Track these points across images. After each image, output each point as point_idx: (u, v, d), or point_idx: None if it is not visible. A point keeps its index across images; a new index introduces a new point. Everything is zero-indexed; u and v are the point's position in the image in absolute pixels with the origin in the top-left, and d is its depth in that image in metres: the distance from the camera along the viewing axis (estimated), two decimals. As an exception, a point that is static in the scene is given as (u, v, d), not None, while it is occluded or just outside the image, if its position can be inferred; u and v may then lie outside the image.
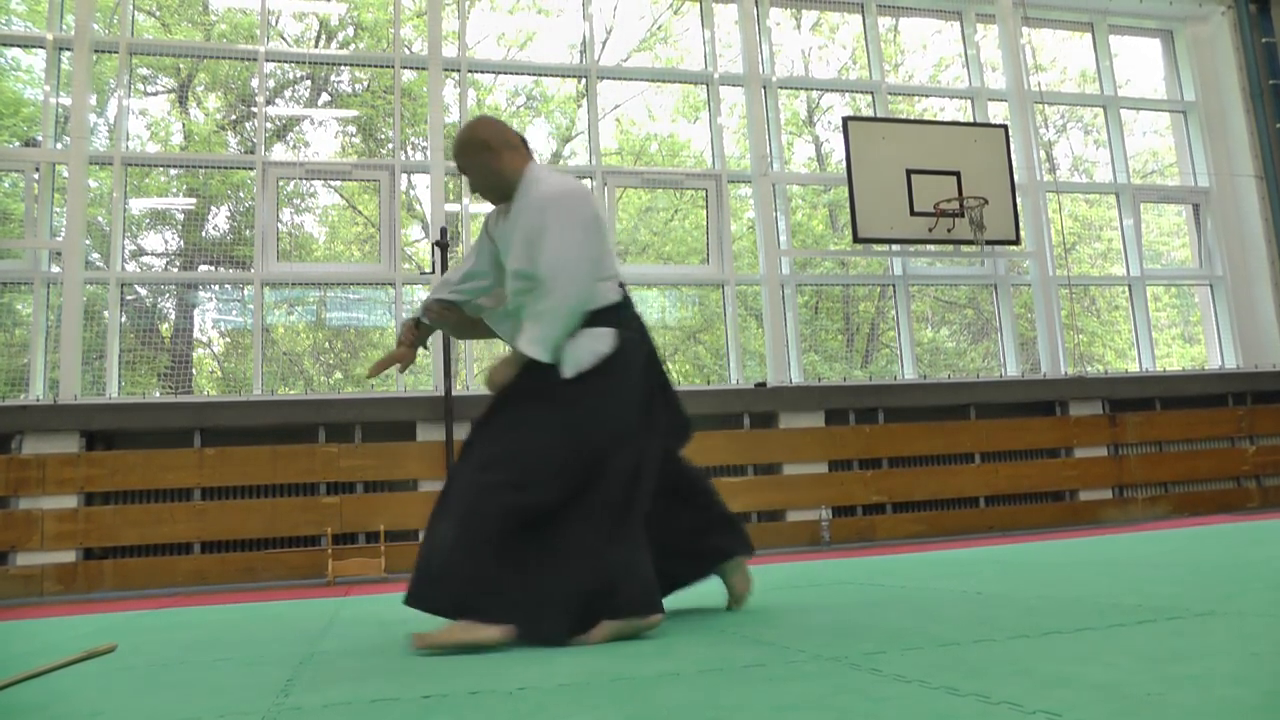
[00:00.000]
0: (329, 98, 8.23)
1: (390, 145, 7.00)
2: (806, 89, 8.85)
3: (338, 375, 8.04)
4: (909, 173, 7.15)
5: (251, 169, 6.57)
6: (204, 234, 7.40)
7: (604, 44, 7.96)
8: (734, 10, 7.59)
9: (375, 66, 7.38)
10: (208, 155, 7.30)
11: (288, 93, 8.15)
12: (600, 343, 2.43)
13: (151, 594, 5.42)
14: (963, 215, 7.18)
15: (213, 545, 5.71)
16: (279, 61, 7.28)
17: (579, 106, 8.13)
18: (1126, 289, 8.19)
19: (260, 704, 1.68)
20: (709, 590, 2.86)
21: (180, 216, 7.54)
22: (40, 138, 6.30)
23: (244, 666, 2.22)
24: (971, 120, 7.89)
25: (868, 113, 7.94)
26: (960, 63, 8.30)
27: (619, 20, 8.36)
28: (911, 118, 8.51)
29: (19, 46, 6.66)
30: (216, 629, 3.18)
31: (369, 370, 2.77)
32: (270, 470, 5.82)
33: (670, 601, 2.99)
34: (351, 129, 7.95)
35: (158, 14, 7.81)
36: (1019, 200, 7.49)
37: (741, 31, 7.49)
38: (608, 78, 7.59)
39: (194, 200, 7.41)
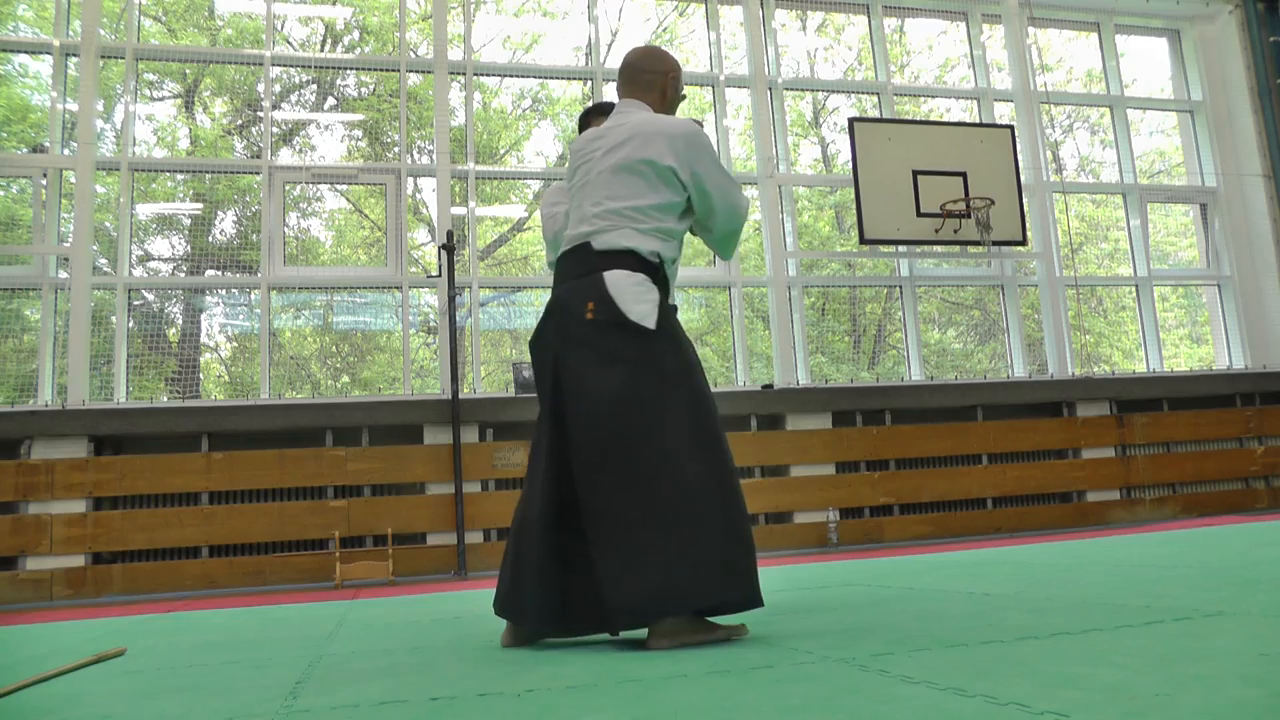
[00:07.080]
0: (335, 102, 8.26)
1: (396, 149, 7.03)
2: (812, 90, 8.85)
3: (345, 379, 8.06)
4: (915, 174, 7.15)
5: (258, 173, 6.59)
6: (211, 239, 7.42)
7: (610, 46, 7.97)
8: (739, 12, 7.59)
9: (381, 70, 7.40)
10: (214, 160, 7.32)
11: (294, 97, 8.18)
12: None
13: (160, 598, 5.44)
14: (969, 216, 7.17)
15: (221, 549, 5.72)
16: (285, 66, 7.31)
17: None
18: (1134, 289, 8.17)
19: (268, 706, 1.69)
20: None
21: (187, 221, 7.57)
22: (47, 143, 6.33)
23: (252, 669, 2.23)
24: (977, 121, 7.88)
25: (873, 114, 7.93)
26: (966, 63, 8.29)
27: (624, 22, 8.37)
28: (917, 118, 8.51)
29: (26, 52, 6.69)
30: (224, 632, 3.19)
31: None
32: (278, 474, 5.84)
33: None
34: (358, 133, 7.98)
35: (164, 19, 7.84)
36: (1025, 201, 7.47)
37: (747, 33, 7.49)
38: (614, 80, 7.58)
39: (201, 205, 7.44)
